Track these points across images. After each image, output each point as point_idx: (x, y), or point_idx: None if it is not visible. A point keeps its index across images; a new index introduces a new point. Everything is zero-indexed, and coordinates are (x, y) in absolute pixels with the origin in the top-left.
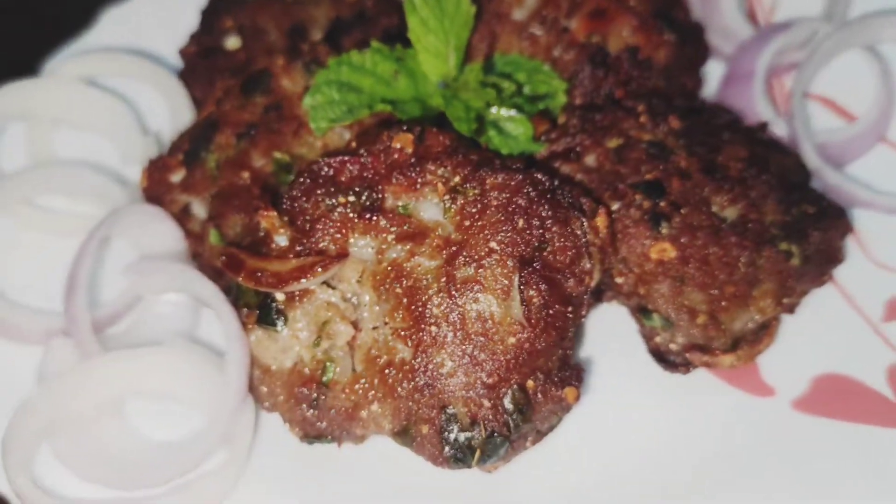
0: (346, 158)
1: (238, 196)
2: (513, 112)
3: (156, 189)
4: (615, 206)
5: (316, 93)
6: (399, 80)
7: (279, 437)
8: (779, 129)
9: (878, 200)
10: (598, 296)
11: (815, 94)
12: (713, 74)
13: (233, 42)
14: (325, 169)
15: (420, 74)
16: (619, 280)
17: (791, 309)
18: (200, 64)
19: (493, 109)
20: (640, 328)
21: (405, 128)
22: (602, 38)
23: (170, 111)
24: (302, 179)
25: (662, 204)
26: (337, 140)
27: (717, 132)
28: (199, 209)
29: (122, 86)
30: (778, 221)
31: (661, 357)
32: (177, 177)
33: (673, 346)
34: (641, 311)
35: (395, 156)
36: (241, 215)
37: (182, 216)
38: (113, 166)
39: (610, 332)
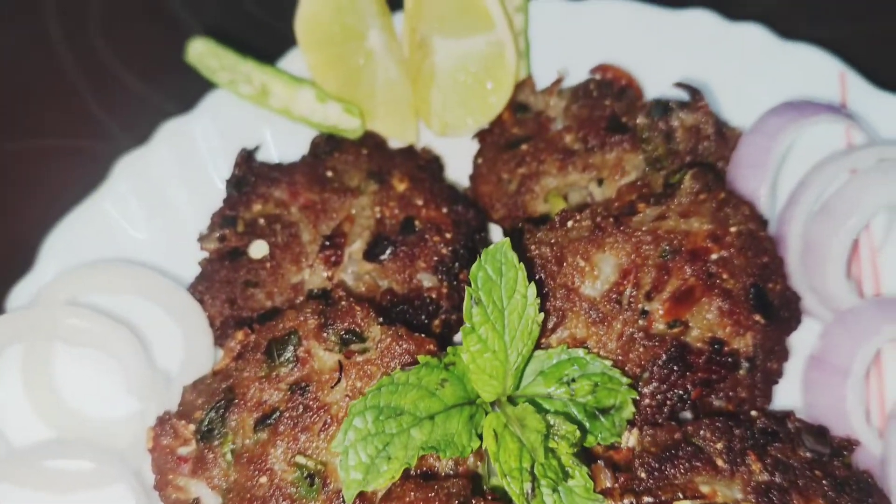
0: None
1: None
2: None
3: (162, 459)
4: None
5: (348, 429)
6: (445, 388)
7: None
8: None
9: None
10: None
11: None
12: (801, 338)
13: (258, 249)
14: None
15: (468, 380)
16: None
17: None
18: (219, 271)
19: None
20: None
21: None
22: (684, 325)
23: (183, 337)
24: None
25: None
26: None
27: (799, 477)
28: (210, 501)
29: (126, 304)
30: None
31: None
32: (186, 449)
33: None
34: None
35: None
36: None
37: None
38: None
39: None
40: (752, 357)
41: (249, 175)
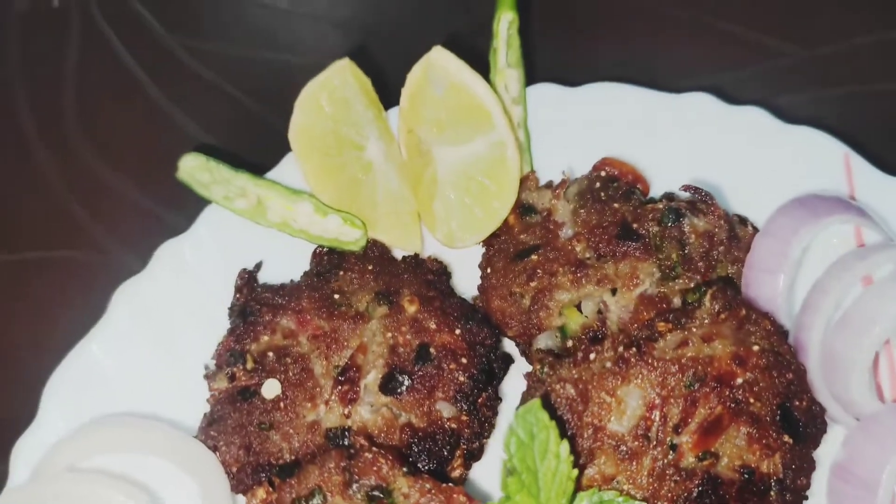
0: None
1: None
2: None
3: None
4: None
5: None
6: None
7: None
8: None
9: None
10: None
11: None
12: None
13: (271, 389)
14: None
15: None
16: None
17: None
18: (231, 413)
19: None
20: None
21: None
22: (714, 456)
23: (198, 487)
24: None
25: None
26: None
27: None
28: None
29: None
30: None
31: None
32: None
33: None
34: None
35: None
36: None
37: None
38: None
39: None
40: (781, 478)
41: (252, 302)
